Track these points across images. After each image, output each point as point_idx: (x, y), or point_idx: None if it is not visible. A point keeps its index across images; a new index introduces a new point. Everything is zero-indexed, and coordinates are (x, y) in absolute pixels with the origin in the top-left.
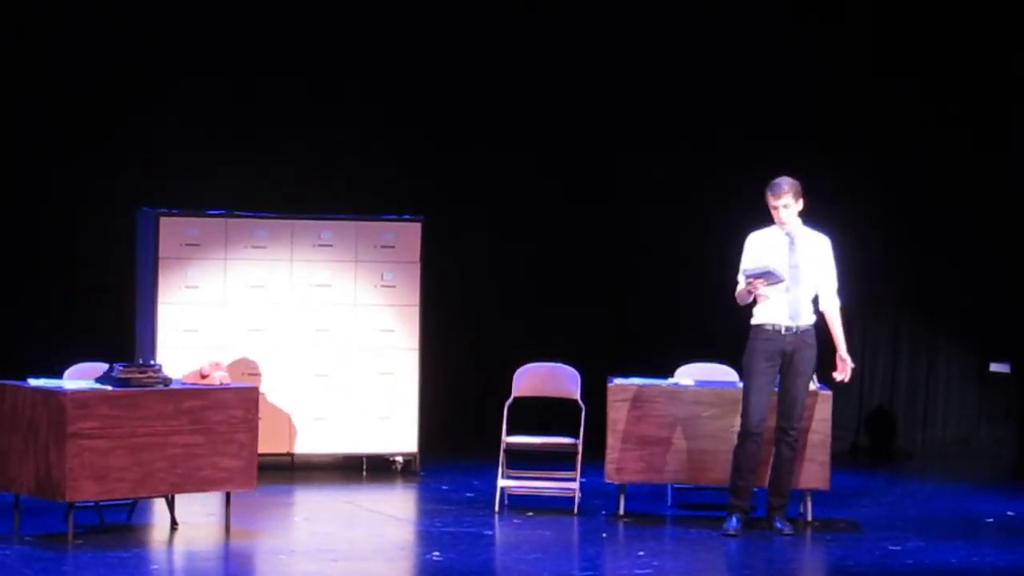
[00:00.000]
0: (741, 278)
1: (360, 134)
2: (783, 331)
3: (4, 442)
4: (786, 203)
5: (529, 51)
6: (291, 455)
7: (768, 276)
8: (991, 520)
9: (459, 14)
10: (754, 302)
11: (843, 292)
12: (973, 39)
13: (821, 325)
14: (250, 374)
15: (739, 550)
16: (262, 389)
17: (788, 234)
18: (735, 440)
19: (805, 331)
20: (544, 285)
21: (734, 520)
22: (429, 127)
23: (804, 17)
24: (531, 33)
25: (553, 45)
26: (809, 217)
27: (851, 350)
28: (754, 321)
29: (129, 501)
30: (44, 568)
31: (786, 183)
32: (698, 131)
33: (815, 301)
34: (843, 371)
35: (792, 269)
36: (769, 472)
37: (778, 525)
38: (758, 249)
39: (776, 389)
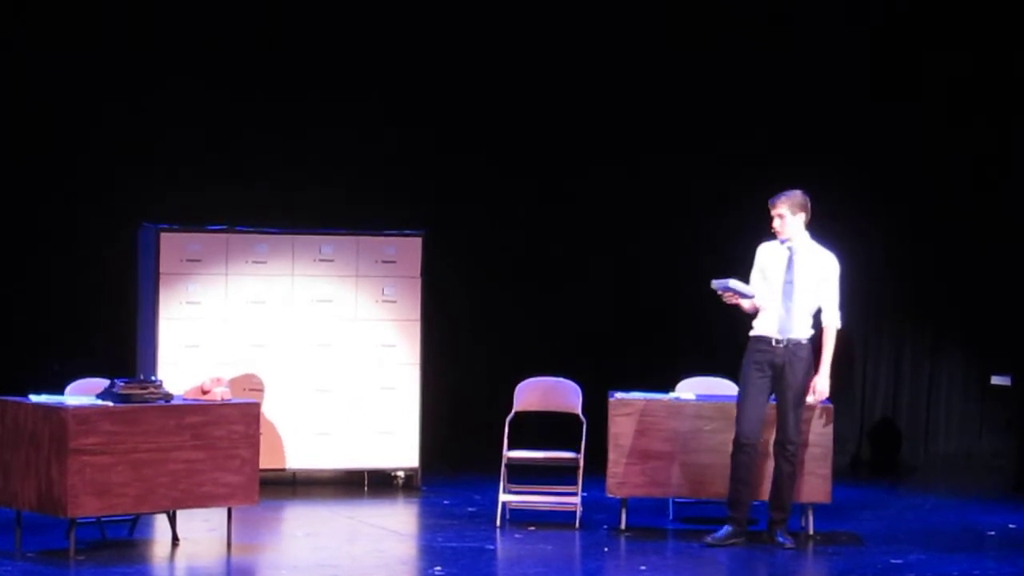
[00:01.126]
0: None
1: (360, 149)
2: (773, 343)
3: (6, 458)
4: (780, 213)
5: (530, 63)
6: (292, 470)
7: (734, 291)
8: (993, 533)
9: (460, 27)
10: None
11: (844, 308)
12: (973, 48)
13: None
14: (251, 389)
15: (741, 564)
16: (263, 404)
17: (789, 248)
18: None
19: (796, 345)
20: (545, 299)
21: (721, 530)
22: (430, 141)
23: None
24: (532, 45)
25: (553, 56)
26: (814, 230)
27: (853, 363)
28: (751, 333)
29: (131, 517)
30: None
31: (784, 195)
32: (700, 145)
33: (816, 317)
34: (812, 393)
35: (787, 285)
36: (770, 486)
37: (780, 539)
38: (763, 260)
39: (773, 402)
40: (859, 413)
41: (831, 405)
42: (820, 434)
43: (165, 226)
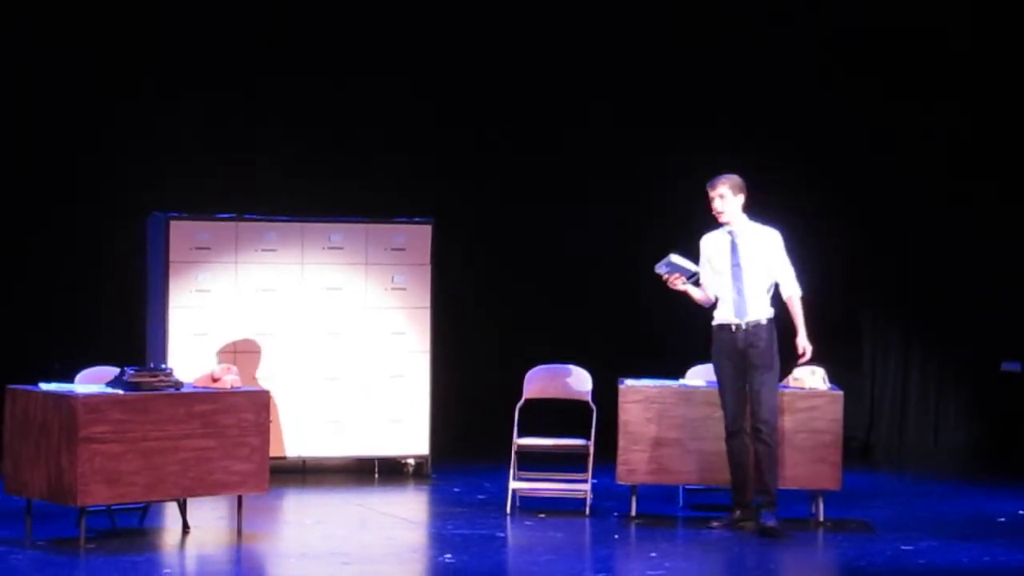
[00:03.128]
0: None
1: (370, 136)
2: (732, 329)
3: (16, 447)
4: (721, 193)
5: (540, 51)
6: (302, 458)
7: (679, 270)
8: (1003, 520)
9: (470, 13)
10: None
11: (803, 281)
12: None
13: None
14: (261, 377)
15: (750, 551)
16: (273, 392)
17: (730, 232)
18: None
19: (755, 326)
20: (555, 287)
21: (729, 514)
22: (439, 129)
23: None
24: (543, 30)
25: (563, 44)
26: (813, 219)
27: (862, 351)
28: (712, 323)
29: (141, 505)
30: (56, 573)
31: (723, 176)
32: (705, 140)
33: (774, 296)
34: (804, 357)
35: (734, 268)
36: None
37: (762, 520)
38: (708, 250)
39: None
40: (869, 400)
41: (840, 392)
42: (830, 421)
43: (174, 215)
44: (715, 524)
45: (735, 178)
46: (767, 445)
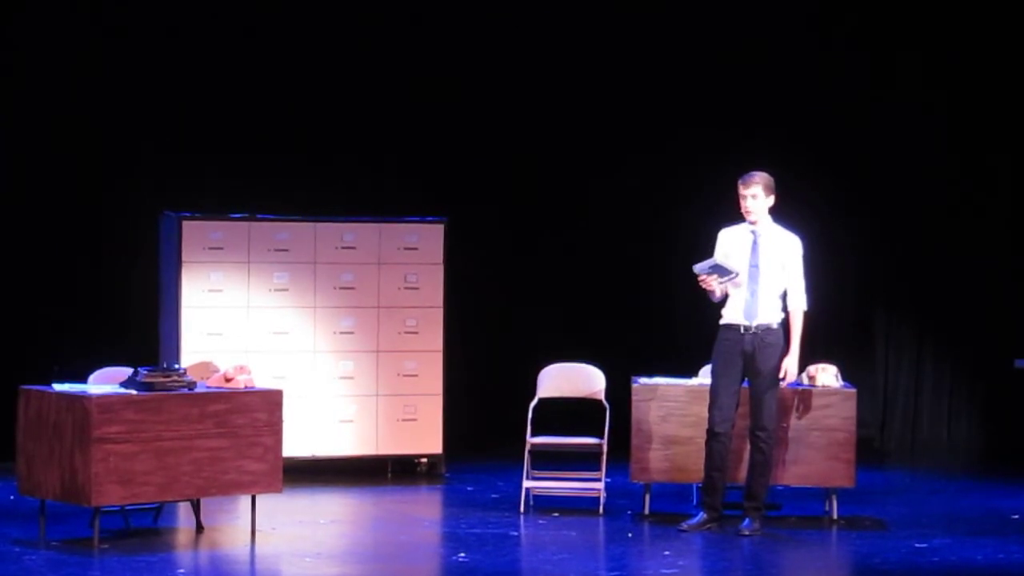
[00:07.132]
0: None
1: (382, 135)
2: (741, 331)
3: (29, 448)
4: (754, 193)
5: (552, 48)
6: (316, 458)
7: (718, 271)
8: (1016, 517)
9: (477, 13)
10: (725, 301)
11: (811, 295)
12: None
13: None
14: (274, 377)
15: (765, 549)
16: (286, 392)
17: (753, 232)
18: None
19: (765, 330)
20: (568, 285)
21: (696, 516)
22: (452, 128)
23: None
24: (554, 27)
25: (576, 42)
26: (826, 217)
27: (875, 348)
28: (720, 321)
29: (155, 505)
30: (71, 573)
31: (758, 174)
32: (718, 142)
33: (784, 300)
34: (782, 375)
35: (752, 268)
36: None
37: (742, 525)
38: (727, 245)
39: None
40: (882, 398)
41: (854, 389)
42: (843, 419)
43: (187, 214)
44: (685, 527)
45: (768, 178)
46: (763, 453)
